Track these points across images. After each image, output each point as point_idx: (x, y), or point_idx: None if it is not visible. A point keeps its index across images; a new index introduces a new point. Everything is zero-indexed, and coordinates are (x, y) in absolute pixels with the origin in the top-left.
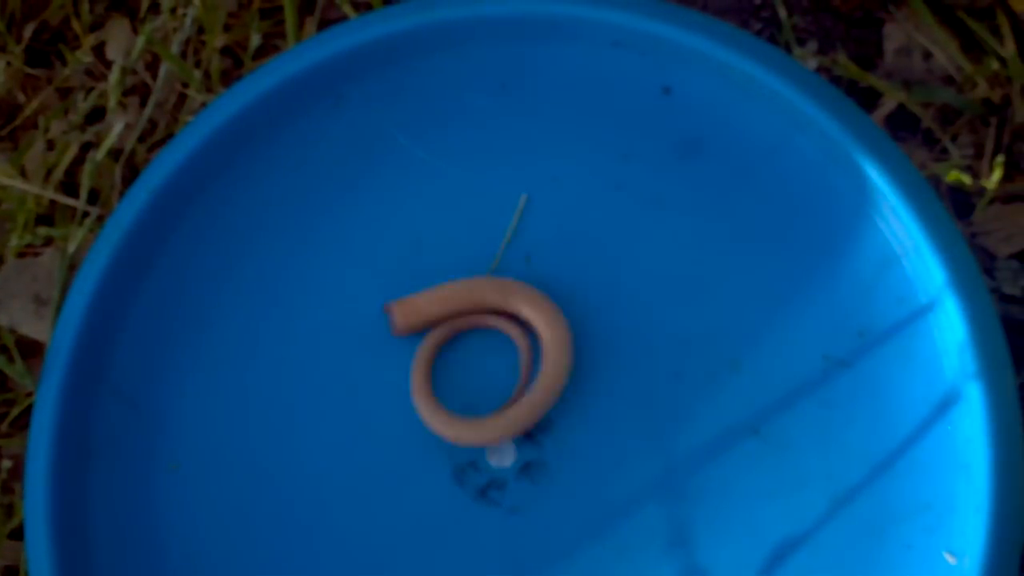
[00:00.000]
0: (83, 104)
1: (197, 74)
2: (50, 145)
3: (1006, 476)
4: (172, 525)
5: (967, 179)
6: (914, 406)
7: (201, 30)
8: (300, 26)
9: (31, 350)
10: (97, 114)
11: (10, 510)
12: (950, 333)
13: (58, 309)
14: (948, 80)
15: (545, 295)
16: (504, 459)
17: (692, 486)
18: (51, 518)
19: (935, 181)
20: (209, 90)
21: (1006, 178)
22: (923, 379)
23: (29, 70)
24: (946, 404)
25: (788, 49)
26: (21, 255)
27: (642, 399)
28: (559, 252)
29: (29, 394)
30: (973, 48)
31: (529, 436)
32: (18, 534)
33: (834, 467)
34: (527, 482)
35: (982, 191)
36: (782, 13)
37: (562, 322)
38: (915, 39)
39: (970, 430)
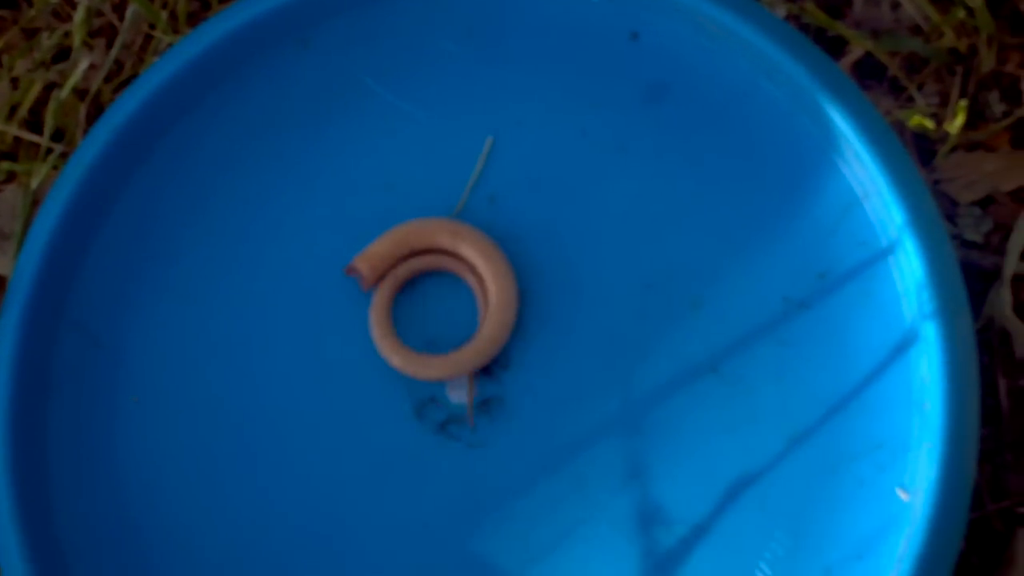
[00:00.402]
0: (48, 42)
1: (164, 15)
2: (15, 84)
3: (960, 416)
4: (132, 458)
5: (930, 123)
6: (871, 347)
7: None
8: None
9: None
10: (64, 55)
11: None
12: (909, 274)
13: (20, 244)
14: (916, 30)
15: (491, 240)
16: (464, 395)
17: (650, 422)
18: (11, 451)
19: (900, 129)
20: (176, 31)
21: (969, 126)
22: (881, 320)
23: None
24: (903, 345)
25: None
26: None
27: (603, 337)
28: (523, 195)
29: None
30: None
31: (488, 372)
32: None
33: (790, 405)
34: (486, 417)
35: (946, 139)
36: None
37: (505, 268)
38: None
39: (926, 370)
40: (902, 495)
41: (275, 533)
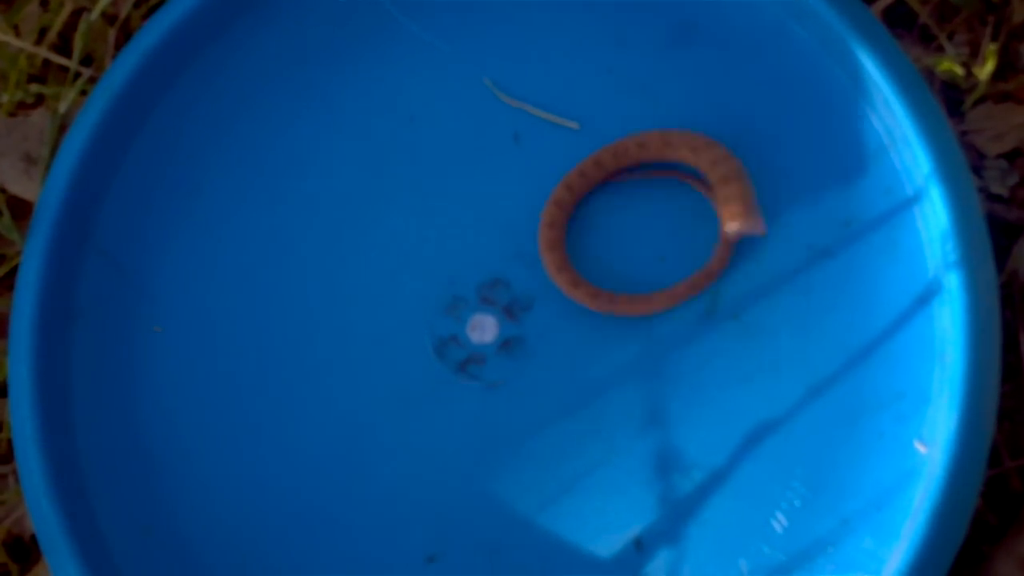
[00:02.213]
0: None
1: None
2: (45, 5)
3: (980, 368)
4: (153, 386)
5: (959, 69)
6: (894, 296)
7: None
8: None
9: (21, 209)
10: None
11: None
12: (934, 223)
13: (47, 169)
14: None
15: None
16: (485, 335)
17: (669, 367)
18: (34, 376)
19: (928, 78)
20: None
21: (999, 77)
22: (905, 270)
23: None
24: (926, 295)
25: None
26: (12, 114)
27: (625, 280)
28: (548, 133)
29: (19, 253)
30: None
31: (510, 314)
32: (3, 391)
33: (811, 355)
34: (506, 358)
35: (974, 89)
36: None
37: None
38: None
39: (948, 321)
40: (920, 447)
41: (294, 466)
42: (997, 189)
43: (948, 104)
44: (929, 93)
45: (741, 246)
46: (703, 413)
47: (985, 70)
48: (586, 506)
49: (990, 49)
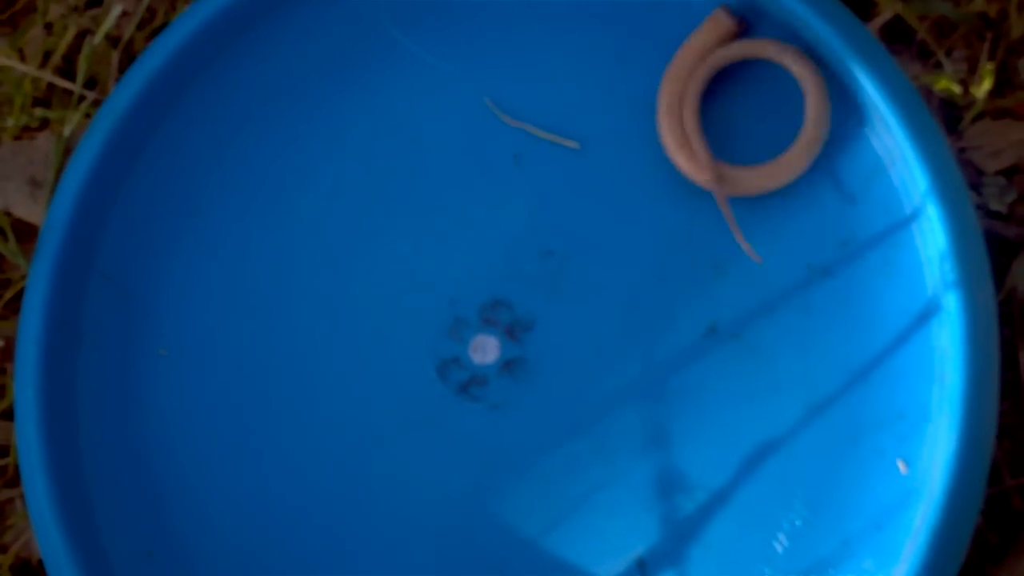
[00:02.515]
0: None
1: None
2: (49, 29)
3: (979, 389)
4: (158, 409)
5: (956, 88)
6: (893, 316)
7: None
8: None
9: (27, 233)
10: (97, 1)
11: (2, 390)
12: (932, 244)
13: (53, 192)
14: None
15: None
16: (487, 356)
17: (671, 388)
18: (40, 400)
19: (926, 95)
20: None
21: (997, 93)
22: (903, 289)
23: None
24: (925, 315)
25: None
26: (17, 138)
27: (625, 300)
28: (548, 153)
29: (24, 276)
30: None
31: (512, 335)
32: (9, 414)
33: (811, 374)
34: (508, 379)
35: (972, 106)
36: None
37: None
38: None
39: (946, 341)
40: (901, 467)
41: (297, 489)
42: (996, 206)
43: (947, 120)
44: (927, 112)
45: (740, 265)
46: (704, 433)
47: (982, 89)
48: (589, 527)
49: (986, 68)
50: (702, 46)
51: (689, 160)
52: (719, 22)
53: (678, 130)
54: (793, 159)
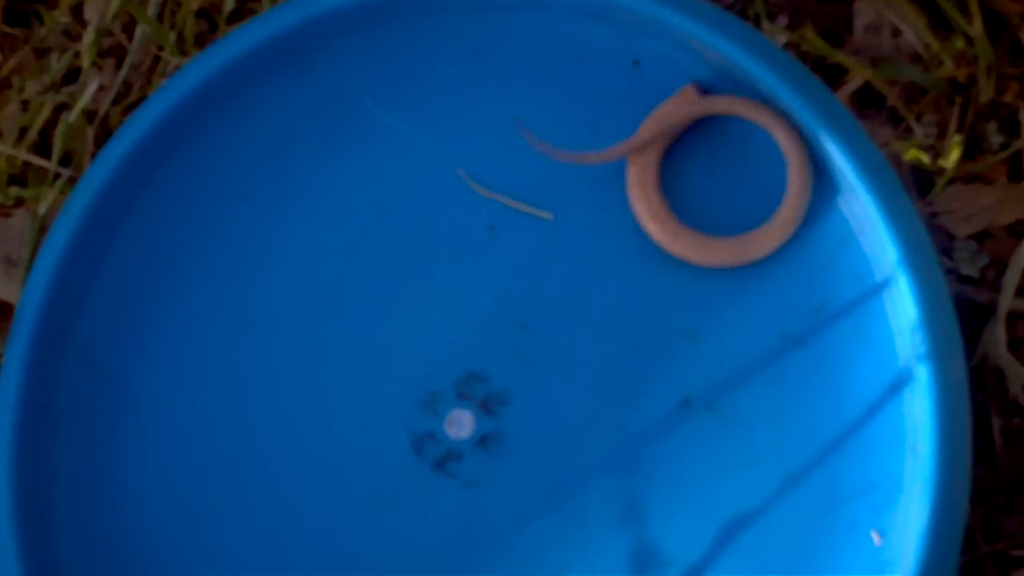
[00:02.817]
0: (58, 64)
1: (172, 36)
2: (24, 105)
3: (950, 459)
4: (136, 490)
5: (925, 158)
6: (866, 385)
7: None
8: None
9: (2, 312)
10: (73, 76)
11: None
12: (903, 312)
13: (28, 271)
14: (916, 58)
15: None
16: (462, 431)
17: (646, 460)
18: (15, 481)
19: (897, 160)
20: (184, 53)
21: (968, 157)
22: (875, 358)
23: (7, 29)
24: (897, 385)
25: (758, 23)
26: None
27: (600, 373)
28: (523, 223)
29: None
30: (941, 26)
31: (487, 409)
32: None
33: (786, 444)
34: (484, 454)
35: (944, 170)
36: None
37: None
38: (884, 16)
39: (918, 411)
40: (875, 538)
41: (275, 566)
42: (967, 271)
43: (918, 184)
44: (896, 180)
45: (712, 334)
46: (680, 506)
47: (951, 159)
48: None
49: (955, 140)
50: (667, 118)
51: (662, 230)
52: (687, 97)
53: (647, 201)
54: (770, 234)
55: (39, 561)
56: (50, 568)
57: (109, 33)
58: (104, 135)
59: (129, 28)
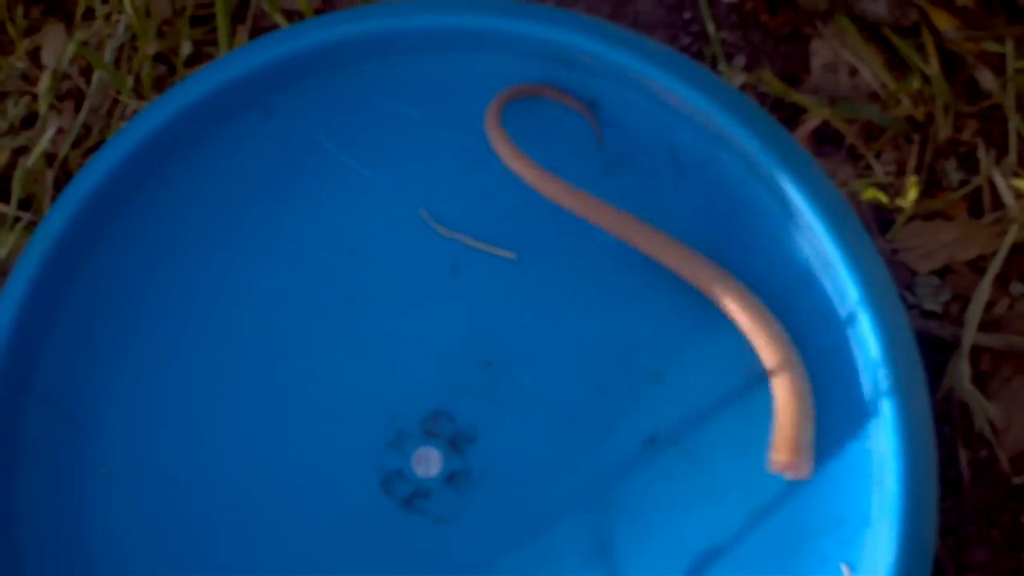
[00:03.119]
0: (15, 109)
1: (129, 80)
2: None
3: (917, 493)
4: (101, 531)
5: (883, 197)
6: (832, 420)
7: (135, 37)
8: (232, 34)
9: None
10: (32, 119)
11: None
12: (867, 350)
13: None
14: (873, 97)
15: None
16: (430, 468)
17: (613, 496)
18: None
19: (857, 197)
20: (141, 96)
21: (927, 194)
22: (841, 395)
23: None
24: (862, 419)
25: (715, 64)
26: None
27: (565, 411)
28: (485, 265)
29: None
30: (898, 66)
31: (455, 447)
32: None
33: (752, 480)
34: (452, 491)
35: (903, 210)
36: (711, 28)
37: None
38: (841, 56)
39: (884, 446)
40: (845, 572)
41: None
42: (930, 306)
43: (878, 221)
44: (856, 219)
45: (677, 372)
46: (648, 542)
47: (909, 199)
48: None
49: (912, 180)
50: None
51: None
52: None
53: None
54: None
55: None
56: None
57: (67, 77)
58: (64, 178)
59: (87, 72)
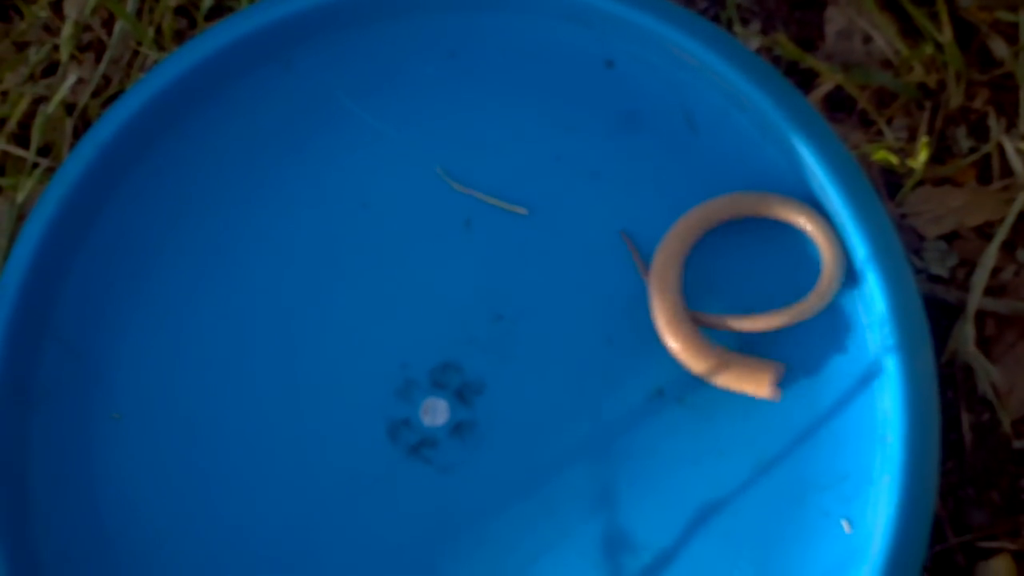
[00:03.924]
0: (36, 57)
1: (150, 32)
2: (3, 97)
3: (919, 451)
4: (111, 473)
5: (894, 159)
6: (837, 378)
7: None
8: None
9: None
10: (53, 70)
11: None
12: (872, 308)
13: (5, 257)
14: (886, 64)
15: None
16: (437, 418)
17: (618, 450)
18: None
19: (868, 162)
20: (162, 48)
21: (937, 161)
22: (846, 353)
23: None
24: (867, 377)
25: (730, 28)
26: None
27: (573, 364)
28: (498, 219)
29: None
30: (912, 33)
31: (462, 398)
32: None
33: (756, 436)
34: (458, 442)
35: (913, 174)
36: None
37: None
38: (855, 22)
39: (888, 404)
40: (845, 527)
41: (251, 551)
42: (937, 270)
43: (888, 187)
44: (866, 181)
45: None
46: (651, 494)
47: (920, 161)
48: None
49: (923, 142)
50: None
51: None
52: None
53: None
54: (805, 310)
55: (15, 538)
56: (27, 545)
57: (89, 28)
58: (83, 127)
59: (109, 23)
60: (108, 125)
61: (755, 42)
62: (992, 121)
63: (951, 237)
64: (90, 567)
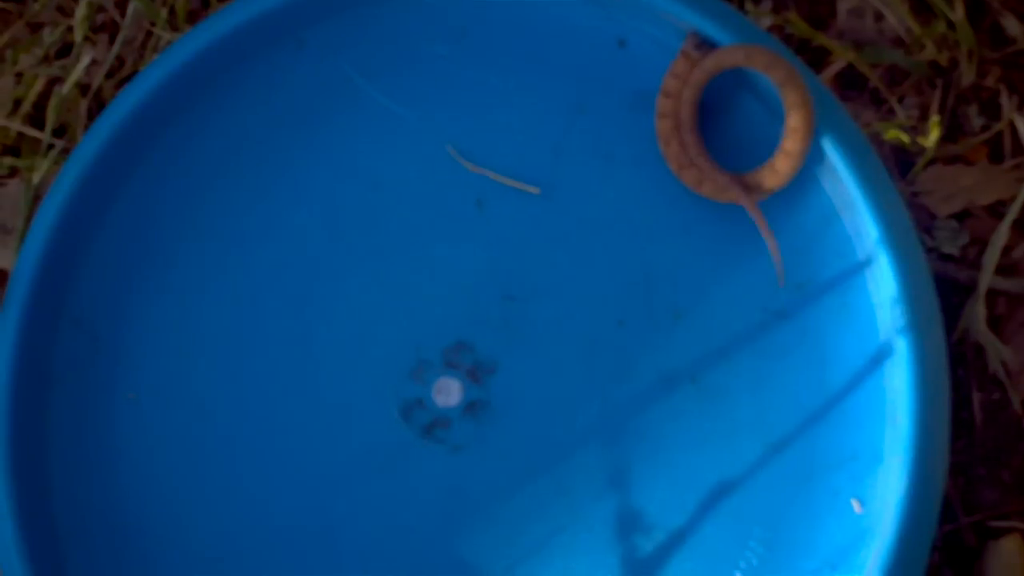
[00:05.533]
0: (50, 38)
1: (164, 13)
2: (18, 78)
3: (929, 430)
4: (129, 453)
5: (906, 137)
6: (847, 358)
7: None
8: None
9: None
10: (67, 51)
11: None
12: (883, 288)
13: (22, 238)
14: (898, 42)
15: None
16: (450, 398)
17: (630, 430)
18: (10, 446)
19: (879, 141)
20: (175, 29)
21: (948, 139)
22: (857, 332)
23: (2, 4)
24: (877, 357)
25: (742, 6)
26: None
27: (585, 344)
28: (510, 199)
29: None
30: (923, 11)
31: (475, 378)
32: None
33: (767, 415)
34: (471, 421)
35: (924, 153)
36: None
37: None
38: (867, 1)
39: (898, 384)
40: (855, 506)
41: (265, 530)
42: (948, 249)
43: (900, 165)
44: (877, 160)
45: (697, 309)
46: (663, 474)
47: (931, 139)
48: (550, 568)
49: (934, 120)
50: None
51: (709, 184)
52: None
53: (684, 157)
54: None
55: (35, 519)
56: (46, 526)
57: (102, 9)
58: (97, 108)
59: (122, 4)
60: (123, 106)
61: (767, 21)
62: (1004, 99)
63: (962, 216)
64: (108, 544)
